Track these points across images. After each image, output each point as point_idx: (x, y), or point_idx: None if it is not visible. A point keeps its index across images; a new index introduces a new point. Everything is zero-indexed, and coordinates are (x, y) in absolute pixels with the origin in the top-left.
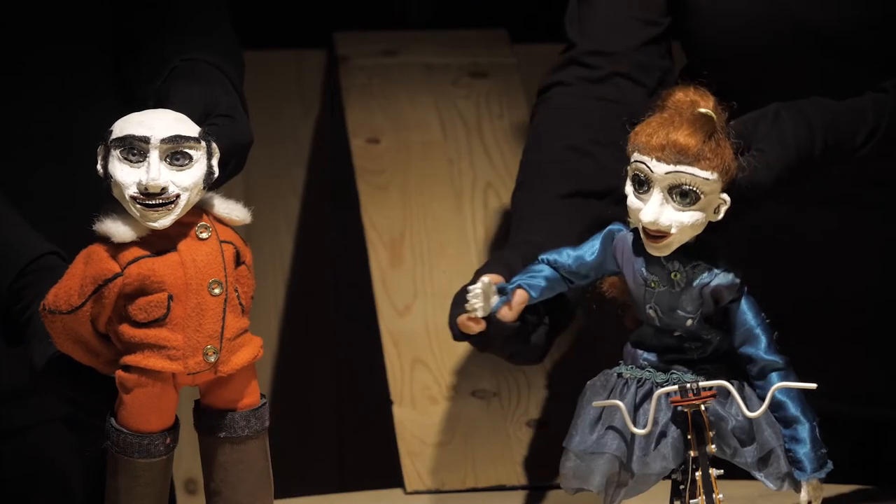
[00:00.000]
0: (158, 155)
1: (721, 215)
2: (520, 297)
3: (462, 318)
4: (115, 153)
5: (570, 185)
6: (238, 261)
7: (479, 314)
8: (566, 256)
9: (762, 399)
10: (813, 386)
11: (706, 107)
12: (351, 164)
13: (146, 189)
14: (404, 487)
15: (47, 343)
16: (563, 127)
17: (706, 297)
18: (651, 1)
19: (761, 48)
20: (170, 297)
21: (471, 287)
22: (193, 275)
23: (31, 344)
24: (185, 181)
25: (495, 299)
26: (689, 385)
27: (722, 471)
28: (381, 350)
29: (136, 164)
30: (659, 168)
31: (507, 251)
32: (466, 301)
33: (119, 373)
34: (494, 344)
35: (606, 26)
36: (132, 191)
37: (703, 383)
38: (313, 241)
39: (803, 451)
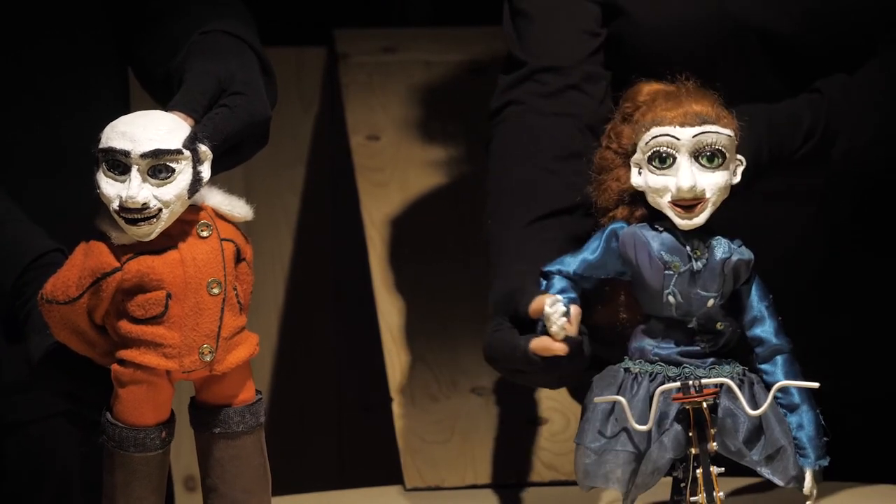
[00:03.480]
0: (139, 170)
1: (739, 177)
2: (577, 311)
3: (547, 343)
4: (102, 164)
5: (540, 208)
6: (238, 258)
7: (562, 335)
8: (570, 264)
9: (770, 389)
10: (815, 385)
11: None
12: (351, 162)
13: (126, 205)
14: (404, 484)
15: (45, 336)
16: (523, 148)
17: (727, 273)
18: (589, 12)
19: (700, 52)
20: (168, 296)
21: (555, 309)
22: (193, 274)
23: (29, 337)
24: (167, 195)
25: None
26: (691, 382)
27: (723, 468)
28: (381, 348)
29: (118, 178)
30: (685, 133)
31: (503, 282)
32: (549, 324)
33: (115, 367)
34: (562, 365)
35: (553, 41)
36: (115, 205)
37: (705, 381)
38: (313, 239)
39: (807, 437)
